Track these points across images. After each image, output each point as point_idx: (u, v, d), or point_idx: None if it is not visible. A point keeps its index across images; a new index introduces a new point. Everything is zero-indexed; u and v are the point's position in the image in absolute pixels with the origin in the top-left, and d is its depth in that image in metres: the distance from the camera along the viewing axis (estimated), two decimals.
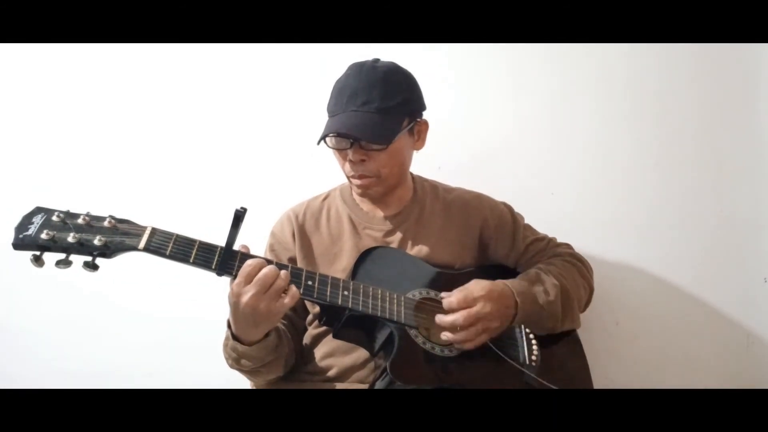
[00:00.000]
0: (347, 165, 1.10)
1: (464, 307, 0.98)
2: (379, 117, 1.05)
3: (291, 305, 0.90)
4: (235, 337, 0.98)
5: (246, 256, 0.90)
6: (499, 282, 1.05)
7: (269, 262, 0.90)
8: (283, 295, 0.90)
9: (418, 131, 1.16)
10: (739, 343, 1.44)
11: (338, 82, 1.12)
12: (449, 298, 1.00)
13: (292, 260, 1.15)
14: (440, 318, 0.99)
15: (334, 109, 1.10)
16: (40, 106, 1.53)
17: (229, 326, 0.98)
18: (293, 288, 0.90)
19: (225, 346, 1.02)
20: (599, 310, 1.29)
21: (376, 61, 1.12)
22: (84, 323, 1.52)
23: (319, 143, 1.08)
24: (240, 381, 1.15)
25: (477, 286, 1.02)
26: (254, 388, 1.15)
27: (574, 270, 1.18)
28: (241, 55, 1.52)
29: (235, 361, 1.01)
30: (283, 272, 0.90)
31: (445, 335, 0.98)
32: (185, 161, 1.53)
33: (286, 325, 1.13)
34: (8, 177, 1.52)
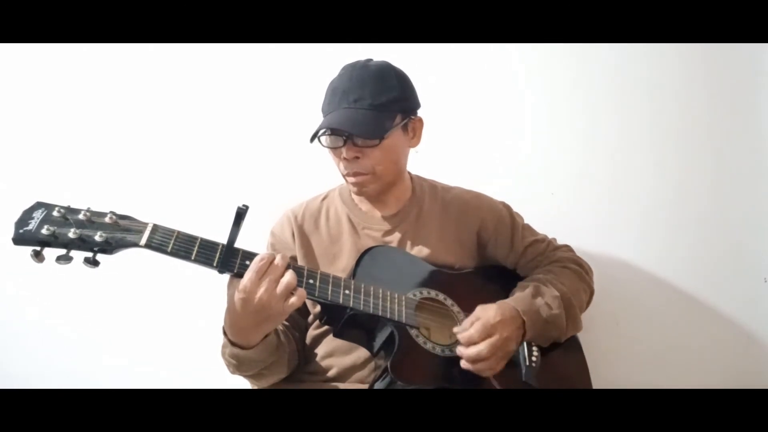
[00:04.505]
0: (342, 163, 1.11)
1: (484, 338, 0.97)
2: (371, 113, 1.06)
3: (298, 305, 0.89)
4: (233, 344, 0.96)
5: (248, 253, 0.90)
6: (504, 303, 1.04)
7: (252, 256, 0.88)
8: (291, 294, 0.88)
9: (412, 128, 1.16)
10: (739, 343, 1.45)
11: (332, 82, 1.12)
12: (468, 332, 0.97)
13: (293, 260, 1.15)
14: (461, 351, 0.97)
15: (327, 108, 1.10)
16: (41, 103, 1.52)
17: (225, 333, 0.97)
18: (300, 289, 0.90)
19: (223, 354, 1.00)
20: (599, 310, 1.29)
21: (369, 60, 1.13)
22: (83, 322, 1.51)
23: (312, 141, 1.08)
24: (240, 381, 1.15)
25: (489, 313, 1.00)
26: (255, 388, 1.15)
27: (573, 276, 1.18)
28: (241, 55, 1.51)
29: (236, 368, 1.00)
30: (290, 271, 0.89)
31: (465, 365, 0.97)
32: (187, 158, 1.52)
33: (289, 325, 1.12)
34: (9, 172, 1.51)
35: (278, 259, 0.88)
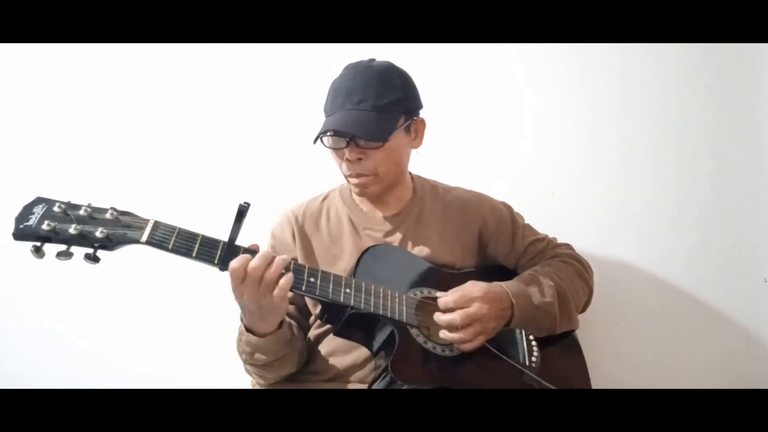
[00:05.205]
0: (344, 164, 1.11)
1: (461, 307, 0.98)
2: (374, 115, 1.06)
3: (286, 290, 0.89)
4: (249, 330, 0.98)
5: (248, 251, 0.90)
6: (495, 284, 1.05)
7: (253, 253, 0.89)
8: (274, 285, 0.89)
9: (415, 129, 1.16)
10: (739, 343, 1.44)
11: (334, 82, 1.12)
12: (446, 297, 1.00)
13: (294, 260, 1.15)
14: (438, 316, 0.99)
15: (330, 108, 1.10)
16: (43, 101, 1.52)
17: (242, 320, 0.99)
18: (288, 275, 0.90)
19: (239, 341, 1.02)
20: (599, 310, 1.29)
21: (372, 60, 1.13)
22: (83, 322, 1.51)
23: (315, 142, 1.08)
24: (240, 381, 1.15)
25: (474, 288, 1.01)
26: (255, 387, 1.15)
27: (571, 270, 1.18)
28: (241, 55, 1.52)
29: (249, 356, 1.01)
30: (278, 259, 0.89)
31: (443, 333, 0.98)
32: (188, 156, 1.53)
33: (296, 323, 1.12)
34: (9, 167, 1.51)
35: (253, 262, 0.87)
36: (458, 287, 1.02)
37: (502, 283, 1.06)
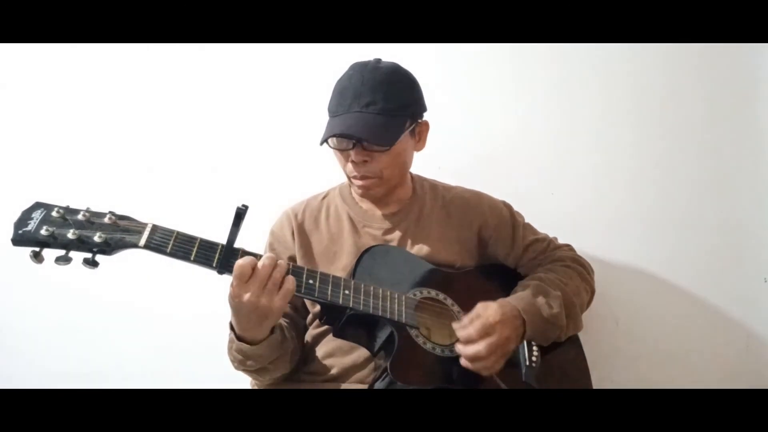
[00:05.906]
0: (349, 165, 1.10)
1: (483, 337, 0.96)
2: (382, 118, 1.06)
3: (291, 293, 0.90)
4: (239, 338, 0.97)
5: (247, 254, 0.90)
6: (506, 302, 1.04)
7: (259, 258, 0.89)
8: (278, 289, 0.89)
9: (419, 132, 1.16)
10: (739, 343, 1.44)
11: (340, 82, 1.12)
12: (467, 330, 0.97)
13: (292, 259, 1.15)
14: (460, 348, 0.97)
15: (336, 109, 1.09)
16: (41, 103, 1.52)
17: (232, 328, 0.98)
18: (290, 277, 0.90)
19: (229, 348, 1.01)
20: (599, 310, 1.29)
21: (379, 61, 1.12)
22: (83, 322, 1.51)
23: (322, 144, 1.08)
24: (240, 381, 1.15)
25: (489, 311, 0.99)
26: (255, 387, 1.15)
27: (575, 275, 1.17)
28: (240, 56, 1.51)
29: (241, 363, 1.01)
30: (280, 261, 0.90)
31: (465, 363, 0.97)
32: (187, 159, 1.53)
33: (288, 323, 1.12)
34: (8, 172, 1.51)
35: (261, 263, 0.88)
36: (473, 314, 1.00)
37: (511, 300, 1.05)
